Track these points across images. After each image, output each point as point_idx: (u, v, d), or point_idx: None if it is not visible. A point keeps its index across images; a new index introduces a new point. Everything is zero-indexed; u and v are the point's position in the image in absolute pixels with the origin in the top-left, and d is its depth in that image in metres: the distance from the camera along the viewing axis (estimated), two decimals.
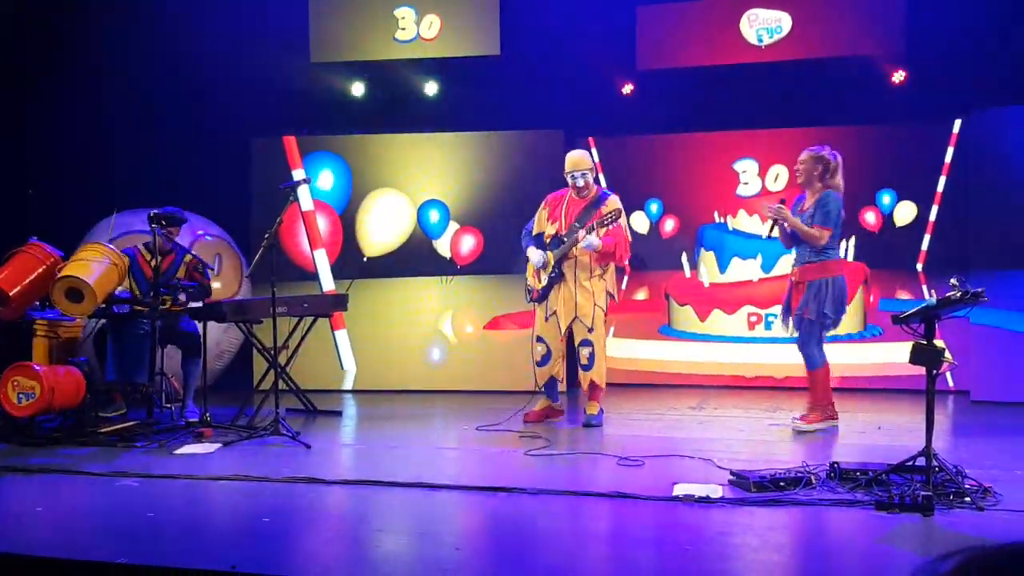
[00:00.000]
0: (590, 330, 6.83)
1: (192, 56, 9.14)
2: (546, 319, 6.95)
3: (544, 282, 6.93)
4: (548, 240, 6.96)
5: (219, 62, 8.99)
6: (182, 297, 6.95)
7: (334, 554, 3.98)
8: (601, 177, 9.18)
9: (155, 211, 6.98)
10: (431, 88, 9.55)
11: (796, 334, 6.63)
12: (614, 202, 6.87)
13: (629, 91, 9.14)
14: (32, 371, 6.25)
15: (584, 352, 6.88)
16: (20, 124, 9.34)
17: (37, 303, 7.04)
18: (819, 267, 6.48)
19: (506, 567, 3.71)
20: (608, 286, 6.94)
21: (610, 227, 6.75)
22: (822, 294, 6.44)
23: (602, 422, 6.94)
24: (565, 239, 6.84)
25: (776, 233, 6.58)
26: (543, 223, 7.03)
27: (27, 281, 6.72)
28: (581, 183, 6.87)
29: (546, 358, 6.97)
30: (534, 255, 6.93)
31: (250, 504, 4.74)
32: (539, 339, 6.99)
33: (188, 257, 7.19)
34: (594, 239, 6.71)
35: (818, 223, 6.45)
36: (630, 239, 7.07)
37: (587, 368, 6.89)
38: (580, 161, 6.94)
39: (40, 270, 6.77)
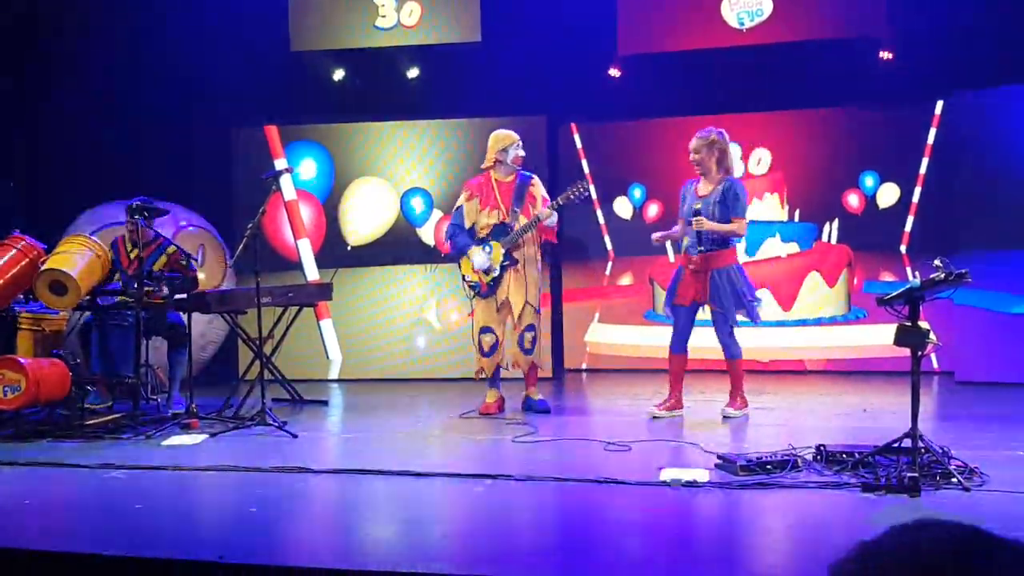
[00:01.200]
0: (537, 312, 6.89)
1: (172, 47, 9.07)
2: (497, 309, 6.86)
3: (495, 274, 6.82)
4: (487, 230, 6.83)
5: (199, 53, 8.92)
6: (164, 289, 6.90)
7: (322, 543, 3.98)
8: (584, 163, 9.18)
9: (137, 202, 6.94)
10: (412, 75, 9.51)
11: (669, 316, 6.71)
12: (538, 182, 6.93)
13: (617, 74, 9.12)
14: (17, 364, 6.22)
15: (528, 336, 6.86)
16: (0, 117, 9.26)
17: (21, 296, 6.99)
18: (722, 255, 6.45)
19: (494, 554, 3.72)
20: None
21: (574, 198, 6.78)
22: (729, 283, 6.42)
23: (549, 407, 6.93)
24: (511, 227, 6.78)
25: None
26: (474, 214, 6.89)
27: (10, 274, 6.68)
28: (523, 153, 6.86)
29: (494, 347, 6.91)
30: (479, 258, 6.78)
31: (237, 494, 4.73)
32: (486, 329, 6.89)
33: (171, 249, 7.15)
34: (554, 217, 6.76)
35: (737, 215, 6.42)
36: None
37: (530, 352, 6.87)
38: (508, 136, 6.91)
39: (23, 263, 6.73)
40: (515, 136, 6.93)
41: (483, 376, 6.98)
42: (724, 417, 6.50)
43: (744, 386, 6.65)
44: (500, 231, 6.81)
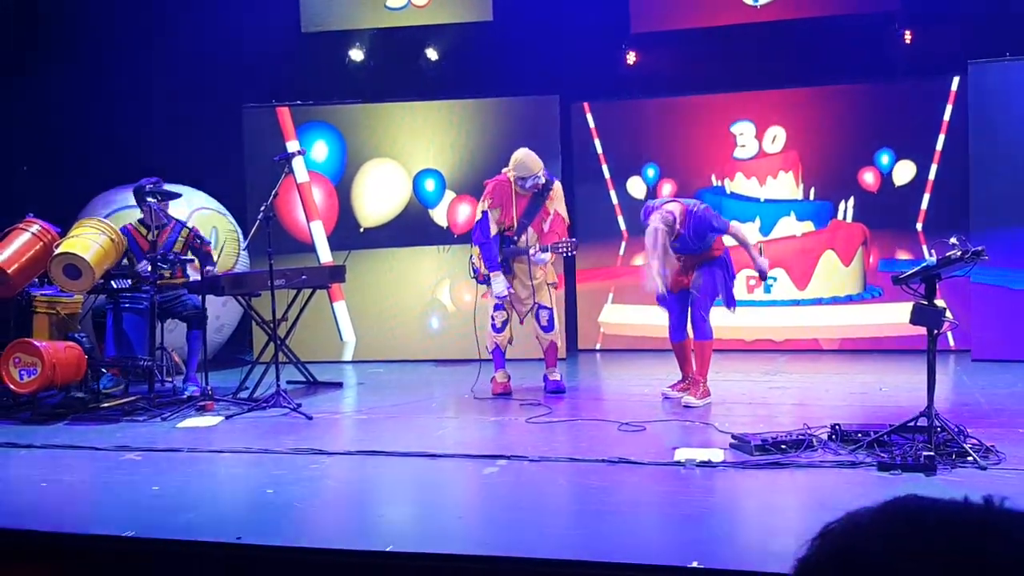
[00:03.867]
0: (552, 286, 7.05)
1: (184, 29, 9.06)
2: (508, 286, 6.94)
3: (502, 292, 6.89)
4: (494, 233, 6.91)
5: (211, 35, 8.90)
6: (188, 271, 6.96)
7: (337, 524, 3.99)
8: (597, 143, 9.14)
9: (149, 184, 6.96)
10: (424, 56, 9.48)
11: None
12: (557, 189, 6.89)
13: (634, 60, 9.08)
14: (33, 347, 6.25)
15: (544, 314, 6.91)
16: (11, 100, 9.27)
17: (36, 280, 7.02)
18: (708, 252, 6.43)
19: (508, 534, 3.72)
20: (549, 278, 7.04)
21: (563, 253, 6.86)
22: (712, 274, 6.42)
23: (564, 389, 6.94)
24: (513, 240, 6.86)
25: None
26: (496, 224, 6.91)
27: (25, 258, 6.71)
28: (543, 182, 6.81)
29: (505, 323, 6.96)
30: (498, 286, 6.80)
31: (253, 476, 4.75)
32: (498, 306, 6.94)
33: (186, 231, 7.17)
34: (545, 256, 6.82)
35: (722, 229, 6.44)
36: (567, 221, 7.10)
37: (548, 329, 6.91)
38: (534, 164, 6.78)
39: (37, 247, 6.76)
40: (538, 167, 6.79)
41: (489, 353, 7.02)
42: (685, 406, 6.25)
43: (752, 365, 6.59)
44: (505, 242, 6.91)
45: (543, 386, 6.95)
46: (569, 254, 6.94)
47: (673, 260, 6.13)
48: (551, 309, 6.94)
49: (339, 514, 4.16)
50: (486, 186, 7.03)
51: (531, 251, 6.78)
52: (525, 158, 6.82)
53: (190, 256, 7.12)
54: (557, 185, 6.95)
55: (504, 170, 6.99)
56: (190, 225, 7.32)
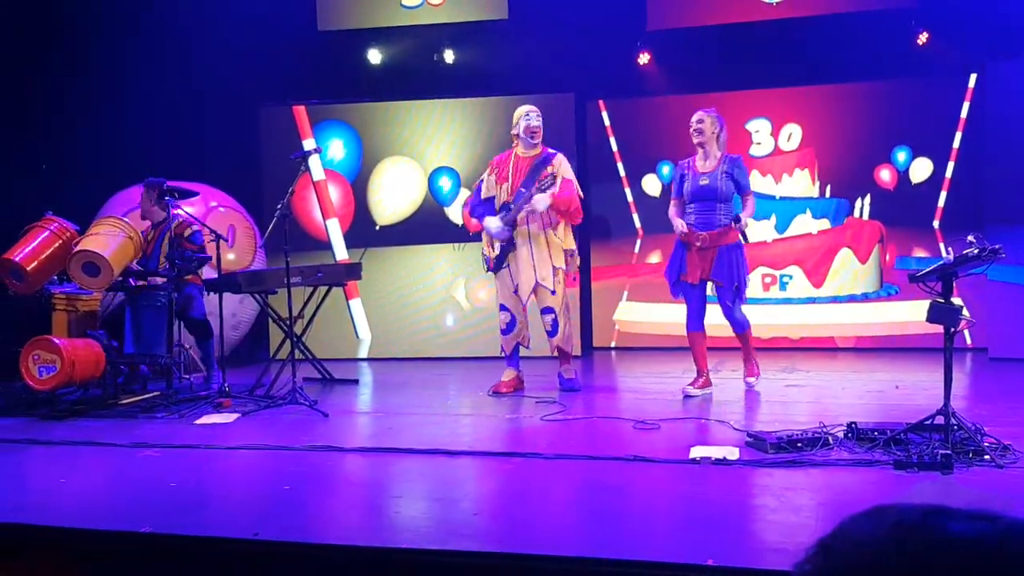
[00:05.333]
0: (552, 292, 6.76)
1: (201, 28, 9.11)
2: (514, 291, 6.85)
3: (497, 251, 6.82)
4: (499, 206, 6.82)
5: (228, 34, 8.95)
6: (176, 271, 6.83)
7: (354, 520, 4.01)
8: (612, 140, 9.14)
9: (167, 184, 7.00)
10: (439, 54, 9.49)
11: (684, 300, 6.69)
12: (560, 161, 6.78)
13: (646, 61, 9.07)
14: (53, 345, 6.30)
15: (547, 319, 6.83)
16: (30, 98, 9.34)
17: (55, 277, 7.07)
18: (731, 232, 6.44)
19: (524, 532, 3.73)
20: (565, 244, 6.83)
21: (553, 191, 6.63)
22: (735, 260, 6.44)
23: (579, 387, 6.92)
24: (512, 205, 6.70)
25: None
26: (492, 188, 6.87)
27: (44, 256, 6.76)
28: (536, 123, 6.74)
29: (511, 325, 6.91)
30: (492, 224, 6.75)
31: (270, 472, 4.78)
32: (502, 307, 6.91)
33: (174, 224, 7.09)
34: (544, 199, 6.61)
35: (745, 190, 6.52)
36: (581, 195, 6.91)
37: (552, 334, 6.87)
38: (523, 106, 6.89)
39: (56, 245, 6.81)
40: (527, 107, 6.88)
41: (504, 354, 7.02)
42: (749, 388, 6.62)
43: (768, 363, 6.68)
44: (505, 209, 6.79)
45: (558, 383, 6.95)
46: (551, 186, 6.62)
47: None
48: (554, 312, 6.81)
49: (355, 511, 4.18)
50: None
51: (532, 194, 6.61)
52: (518, 108, 6.92)
53: (207, 254, 7.14)
54: (560, 157, 6.84)
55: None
56: (190, 228, 7.18)
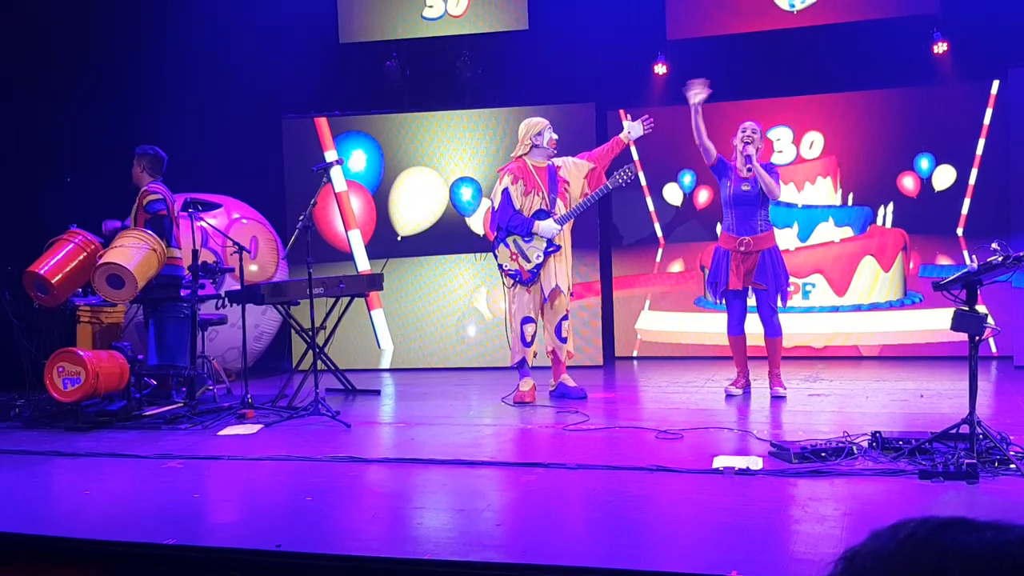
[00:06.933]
0: (571, 294, 7.14)
1: (223, 40, 9.18)
2: (545, 299, 6.91)
3: (538, 260, 6.85)
4: (529, 215, 6.88)
5: (250, 45, 9.01)
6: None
7: (376, 531, 4.01)
8: (633, 149, 9.13)
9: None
10: (460, 65, 9.52)
11: (721, 302, 6.96)
12: (564, 160, 6.97)
13: (663, 71, 9.08)
14: (77, 357, 6.34)
15: (565, 324, 6.99)
16: (57, 113, 9.42)
17: (79, 290, 7.12)
18: (771, 236, 6.73)
19: (547, 542, 3.72)
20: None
21: (622, 182, 6.85)
22: (777, 263, 6.67)
23: (586, 393, 6.98)
24: (552, 212, 6.83)
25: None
26: (519, 198, 6.89)
27: (68, 269, 6.81)
28: (547, 141, 6.89)
29: (534, 336, 6.99)
30: (552, 227, 6.81)
31: (293, 483, 4.79)
32: (528, 320, 6.94)
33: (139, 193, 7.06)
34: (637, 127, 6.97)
35: (775, 181, 6.70)
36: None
37: (566, 340, 7.01)
38: (541, 119, 7.03)
39: (81, 257, 6.85)
40: (545, 120, 7.03)
41: (517, 365, 7.05)
42: (775, 397, 6.67)
43: (791, 372, 6.75)
44: (541, 216, 6.83)
45: (563, 392, 6.98)
46: (630, 179, 6.90)
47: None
48: (569, 318, 7.05)
49: (377, 522, 4.18)
50: (499, 173, 7.08)
51: (626, 170, 6.83)
52: (528, 120, 7.06)
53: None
54: (559, 161, 6.99)
55: (513, 154, 7.07)
56: (148, 197, 6.97)
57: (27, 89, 9.05)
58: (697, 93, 6.68)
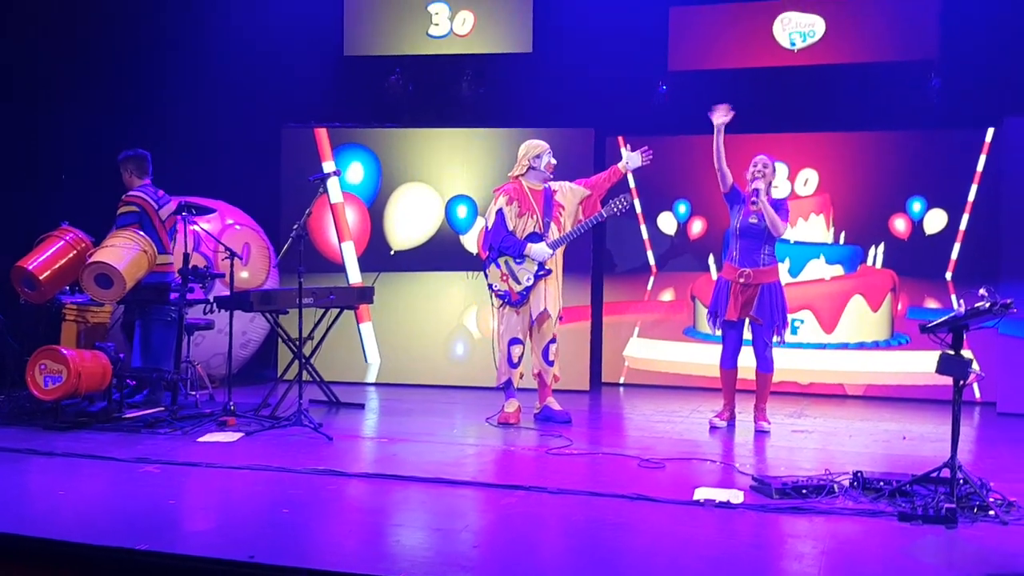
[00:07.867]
0: (560, 318, 7.09)
1: (227, 47, 9.19)
2: (532, 321, 6.92)
3: (528, 282, 6.86)
4: (522, 237, 6.90)
5: (254, 54, 9.03)
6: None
7: (352, 547, 3.99)
8: (630, 177, 9.15)
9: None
10: (463, 84, 9.56)
11: (718, 332, 6.98)
12: (560, 185, 6.99)
13: (664, 90, 9.16)
14: (60, 355, 6.31)
15: (553, 347, 7.00)
16: (53, 111, 9.41)
17: (67, 287, 7.09)
18: (774, 270, 6.74)
19: (524, 566, 3.71)
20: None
21: (616, 212, 6.87)
22: (776, 298, 6.68)
23: (570, 417, 6.98)
24: (544, 235, 6.83)
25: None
26: (513, 219, 6.90)
27: (57, 266, 6.78)
28: (545, 164, 6.91)
29: (521, 358, 6.98)
30: (545, 251, 6.82)
31: (270, 494, 4.76)
32: (515, 341, 6.94)
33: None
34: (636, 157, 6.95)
35: (782, 218, 6.68)
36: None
37: (553, 363, 7.02)
38: (542, 142, 7.03)
39: (71, 255, 6.83)
40: (546, 144, 7.04)
41: (503, 386, 7.04)
42: (759, 432, 6.67)
43: (776, 408, 6.75)
44: (534, 239, 6.84)
45: (548, 416, 6.97)
46: (624, 209, 6.90)
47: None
48: (556, 341, 7.06)
49: (354, 537, 4.16)
50: (495, 193, 7.08)
51: (620, 200, 6.85)
52: (528, 141, 7.05)
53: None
54: (555, 185, 7.01)
55: (510, 174, 7.07)
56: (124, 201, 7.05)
57: (25, 90, 9.07)
58: (721, 116, 6.69)
